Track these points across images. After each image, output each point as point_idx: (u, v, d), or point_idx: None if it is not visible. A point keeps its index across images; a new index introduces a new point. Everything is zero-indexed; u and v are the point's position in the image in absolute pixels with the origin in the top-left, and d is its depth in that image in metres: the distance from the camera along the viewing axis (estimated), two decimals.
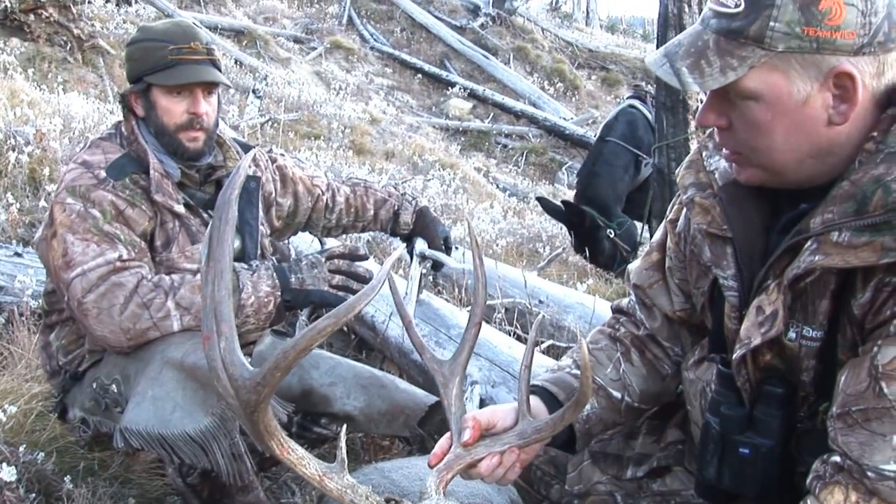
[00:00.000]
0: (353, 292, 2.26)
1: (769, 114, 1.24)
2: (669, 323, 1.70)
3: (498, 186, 10.31)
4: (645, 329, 1.73)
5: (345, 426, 1.38)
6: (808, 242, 1.26)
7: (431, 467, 1.40)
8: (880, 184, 1.18)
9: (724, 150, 1.39)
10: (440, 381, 1.48)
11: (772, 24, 1.19)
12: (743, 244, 1.40)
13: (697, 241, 1.52)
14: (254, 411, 1.19)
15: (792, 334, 1.33)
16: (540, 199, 6.33)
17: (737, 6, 1.22)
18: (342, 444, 1.28)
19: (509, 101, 14.34)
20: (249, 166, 2.49)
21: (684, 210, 1.57)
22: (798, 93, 1.22)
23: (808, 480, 1.26)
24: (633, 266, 1.77)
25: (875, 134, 1.24)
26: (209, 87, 2.32)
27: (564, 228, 6.23)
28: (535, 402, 1.56)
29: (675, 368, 1.72)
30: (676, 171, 1.56)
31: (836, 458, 1.22)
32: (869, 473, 1.17)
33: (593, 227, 5.73)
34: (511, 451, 1.46)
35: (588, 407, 1.63)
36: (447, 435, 1.44)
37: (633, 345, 1.73)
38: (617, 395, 1.67)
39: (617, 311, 1.82)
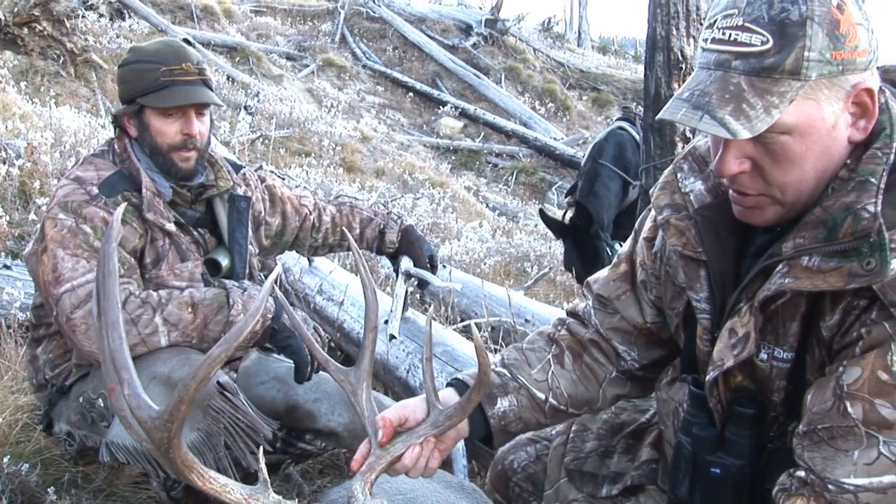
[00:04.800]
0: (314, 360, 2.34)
1: (803, 144, 1.24)
2: (629, 329, 1.72)
3: (487, 205, 10.37)
4: (595, 332, 1.75)
5: (261, 450, 1.38)
6: (780, 266, 1.29)
7: (354, 472, 1.45)
8: (850, 211, 1.22)
9: (733, 194, 1.37)
10: (348, 389, 1.53)
11: (807, 54, 1.18)
12: (716, 267, 1.44)
13: (673, 263, 1.55)
14: (168, 448, 1.21)
15: (763, 355, 1.37)
16: (541, 212, 6.33)
17: (764, 43, 1.20)
18: (262, 465, 1.30)
19: (500, 121, 14.44)
20: (240, 185, 2.54)
21: (660, 230, 1.59)
22: (830, 116, 1.23)
23: (774, 492, 1.29)
24: (598, 276, 1.79)
25: (849, 161, 1.27)
26: (201, 107, 2.35)
27: (559, 245, 6.24)
28: (449, 392, 1.62)
29: (615, 374, 1.74)
30: (651, 191, 1.58)
31: (801, 473, 1.26)
32: (830, 486, 1.21)
33: (595, 236, 5.75)
34: (427, 441, 1.51)
35: (506, 403, 1.66)
36: (366, 440, 1.49)
37: (570, 349, 1.75)
38: (540, 395, 1.69)
39: (570, 313, 1.84)
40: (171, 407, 1.19)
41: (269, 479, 1.29)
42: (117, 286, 1.27)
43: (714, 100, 1.23)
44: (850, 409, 1.20)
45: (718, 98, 1.22)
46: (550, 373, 1.71)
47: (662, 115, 1.29)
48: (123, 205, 1.45)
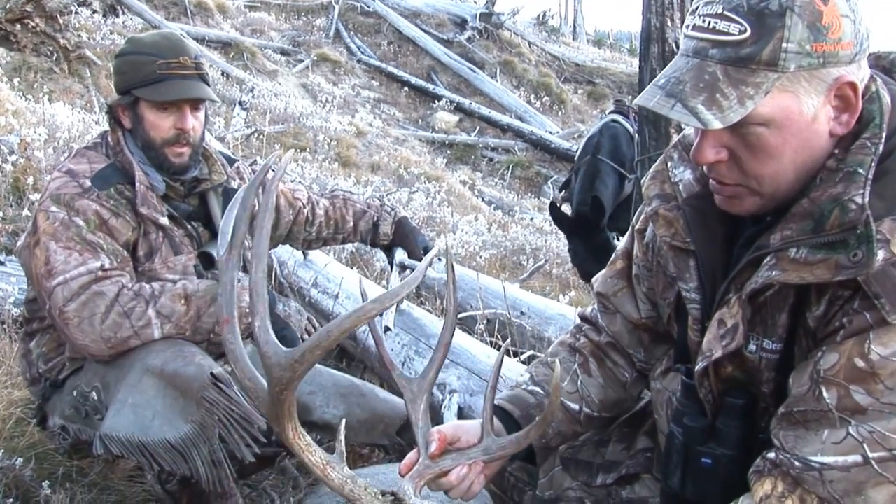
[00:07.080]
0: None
1: (780, 137, 1.22)
2: (631, 329, 1.73)
3: (483, 199, 10.37)
4: (606, 335, 1.76)
5: (343, 422, 1.40)
6: (768, 258, 1.28)
7: (402, 476, 1.44)
8: (838, 203, 1.20)
9: (712, 183, 1.36)
10: (408, 397, 1.52)
11: (784, 45, 1.16)
12: (705, 257, 1.43)
13: (663, 253, 1.53)
14: (284, 389, 1.20)
15: (752, 347, 1.36)
16: (552, 205, 6.29)
17: (742, 33, 1.17)
18: (341, 437, 1.34)
19: (496, 115, 14.43)
20: (234, 179, 2.53)
21: (650, 221, 1.58)
22: (808, 109, 1.20)
23: (748, 474, 1.31)
24: (599, 275, 1.80)
25: (836, 152, 1.25)
26: (196, 102, 2.33)
27: (555, 238, 6.21)
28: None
29: (636, 374, 1.76)
30: (642, 181, 1.57)
31: (772, 455, 1.26)
32: (796, 463, 1.22)
33: (603, 229, 5.74)
34: (476, 464, 1.52)
35: None
36: (415, 449, 1.49)
37: (593, 355, 1.76)
38: (574, 406, 1.72)
39: (582, 318, 1.85)
40: (305, 349, 1.18)
41: (345, 453, 1.32)
42: (270, 223, 1.31)
43: (688, 88, 1.21)
44: (825, 395, 1.20)
45: (692, 87, 1.21)
46: (579, 382, 1.73)
47: (637, 101, 1.27)
48: (291, 151, 1.47)
